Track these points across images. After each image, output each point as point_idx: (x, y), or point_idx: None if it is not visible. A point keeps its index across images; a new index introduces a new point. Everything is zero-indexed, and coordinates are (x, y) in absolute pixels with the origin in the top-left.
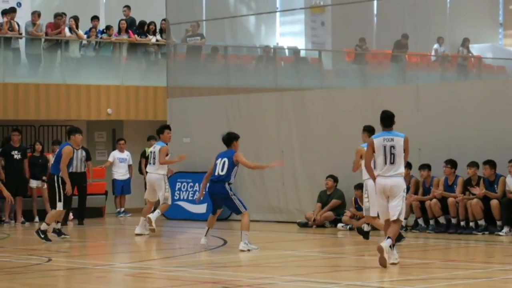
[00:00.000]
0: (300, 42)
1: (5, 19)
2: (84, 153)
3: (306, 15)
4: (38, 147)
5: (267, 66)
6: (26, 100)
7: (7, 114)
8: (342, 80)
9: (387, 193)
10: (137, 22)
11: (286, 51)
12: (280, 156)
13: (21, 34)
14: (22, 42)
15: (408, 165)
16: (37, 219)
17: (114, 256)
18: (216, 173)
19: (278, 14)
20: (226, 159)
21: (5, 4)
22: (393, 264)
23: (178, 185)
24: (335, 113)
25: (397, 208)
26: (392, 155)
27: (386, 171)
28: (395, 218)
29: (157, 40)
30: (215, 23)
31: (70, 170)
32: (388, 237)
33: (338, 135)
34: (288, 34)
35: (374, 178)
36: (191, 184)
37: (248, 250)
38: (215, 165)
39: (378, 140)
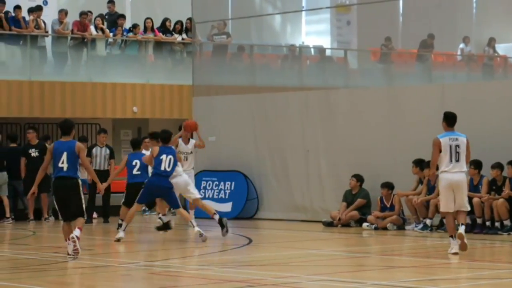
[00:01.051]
0: (325, 41)
1: (32, 17)
2: (108, 151)
3: (332, 14)
4: None
5: (293, 65)
6: (52, 98)
7: (33, 112)
8: (368, 79)
9: (453, 187)
10: (160, 21)
11: (312, 50)
12: (305, 155)
13: (47, 32)
14: (48, 40)
15: None
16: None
17: (139, 254)
18: (163, 168)
19: (303, 13)
20: (171, 157)
21: (32, 3)
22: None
23: (204, 183)
24: (360, 112)
25: (465, 200)
26: (457, 154)
27: (452, 168)
28: (465, 209)
29: (183, 39)
30: (240, 22)
31: (94, 168)
32: (462, 224)
33: (363, 134)
34: (314, 33)
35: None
36: (216, 182)
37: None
38: (161, 160)
39: (445, 139)
